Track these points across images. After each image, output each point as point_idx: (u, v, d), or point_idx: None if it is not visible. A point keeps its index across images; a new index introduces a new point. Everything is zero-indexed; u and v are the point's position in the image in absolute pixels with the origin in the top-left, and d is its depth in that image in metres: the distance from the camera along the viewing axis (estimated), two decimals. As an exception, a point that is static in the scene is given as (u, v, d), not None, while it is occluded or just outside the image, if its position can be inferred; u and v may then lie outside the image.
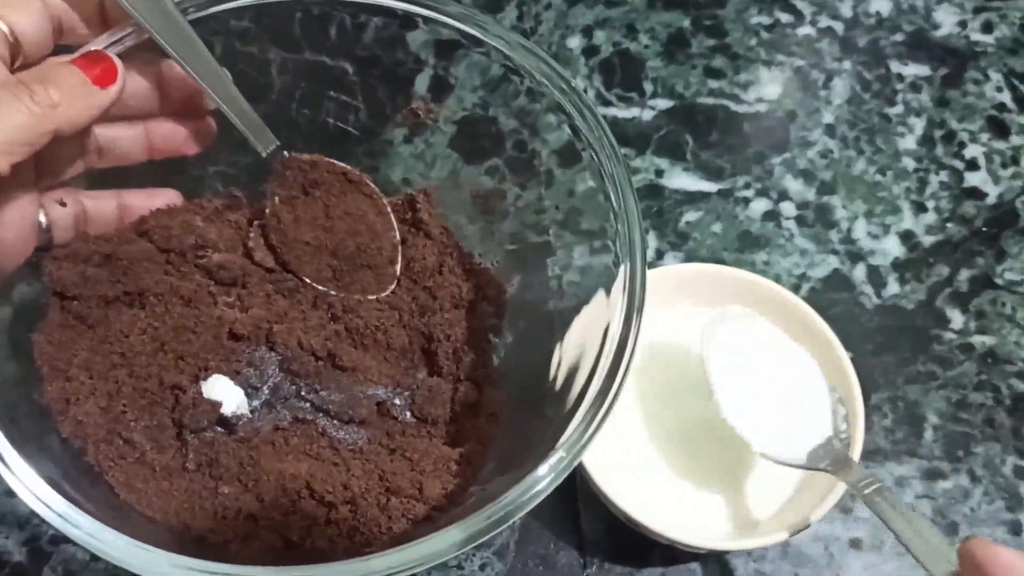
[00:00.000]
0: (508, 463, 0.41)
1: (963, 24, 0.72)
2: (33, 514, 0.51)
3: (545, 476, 0.35)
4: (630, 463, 0.52)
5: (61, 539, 0.51)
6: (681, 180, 0.65)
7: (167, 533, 0.38)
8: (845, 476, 0.46)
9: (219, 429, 0.43)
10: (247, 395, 0.44)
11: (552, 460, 0.36)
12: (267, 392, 0.44)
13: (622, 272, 0.41)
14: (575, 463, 0.36)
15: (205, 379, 0.43)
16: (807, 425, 0.49)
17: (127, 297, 0.42)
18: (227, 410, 0.43)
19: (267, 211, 0.46)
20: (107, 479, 0.39)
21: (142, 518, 0.38)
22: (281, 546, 0.38)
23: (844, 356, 0.52)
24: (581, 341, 0.44)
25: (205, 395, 0.42)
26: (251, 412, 0.44)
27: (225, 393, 0.43)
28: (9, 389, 0.39)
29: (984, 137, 0.68)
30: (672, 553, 0.52)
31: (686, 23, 0.71)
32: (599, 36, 0.70)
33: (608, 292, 0.42)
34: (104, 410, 0.40)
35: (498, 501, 0.35)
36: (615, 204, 0.42)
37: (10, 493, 0.52)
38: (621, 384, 0.38)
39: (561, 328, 0.47)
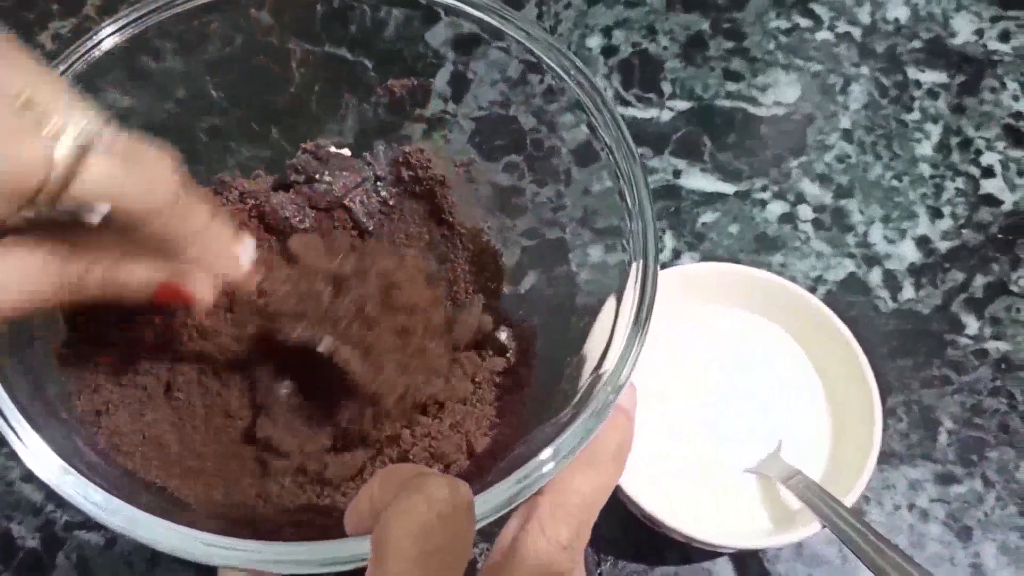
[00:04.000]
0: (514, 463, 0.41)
1: (980, 33, 0.73)
2: (49, 499, 0.52)
3: (548, 461, 0.35)
4: (647, 460, 0.52)
5: (75, 526, 0.51)
6: (698, 181, 0.65)
7: (202, 517, 0.38)
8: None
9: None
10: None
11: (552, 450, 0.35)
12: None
13: (634, 270, 0.41)
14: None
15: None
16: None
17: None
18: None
19: None
20: (144, 477, 0.39)
21: (172, 501, 0.38)
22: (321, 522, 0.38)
23: (863, 358, 0.52)
24: (592, 339, 0.44)
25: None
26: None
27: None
28: (27, 372, 0.39)
29: (1000, 145, 0.68)
30: (686, 552, 0.52)
31: (705, 25, 0.71)
32: (618, 36, 0.70)
33: (620, 291, 0.42)
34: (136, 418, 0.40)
35: (500, 485, 0.34)
36: (630, 203, 0.42)
37: (24, 479, 0.52)
38: (627, 379, 0.38)
39: (577, 328, 0.47)
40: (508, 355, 0.48)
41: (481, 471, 0.42)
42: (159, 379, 0.42)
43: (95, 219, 0.29)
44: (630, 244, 0.42)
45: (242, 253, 0.35)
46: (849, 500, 0.48)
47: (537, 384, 0.47)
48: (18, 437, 0.34)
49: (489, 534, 0.41)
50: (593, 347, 0.42)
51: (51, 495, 0.52)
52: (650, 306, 0.40)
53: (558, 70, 0.45)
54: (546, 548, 0.33)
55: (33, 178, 0.26)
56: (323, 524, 0.39)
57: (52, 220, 0.29)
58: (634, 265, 0.41)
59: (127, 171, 0.28)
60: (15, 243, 0.29)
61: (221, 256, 0.34)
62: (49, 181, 0.26)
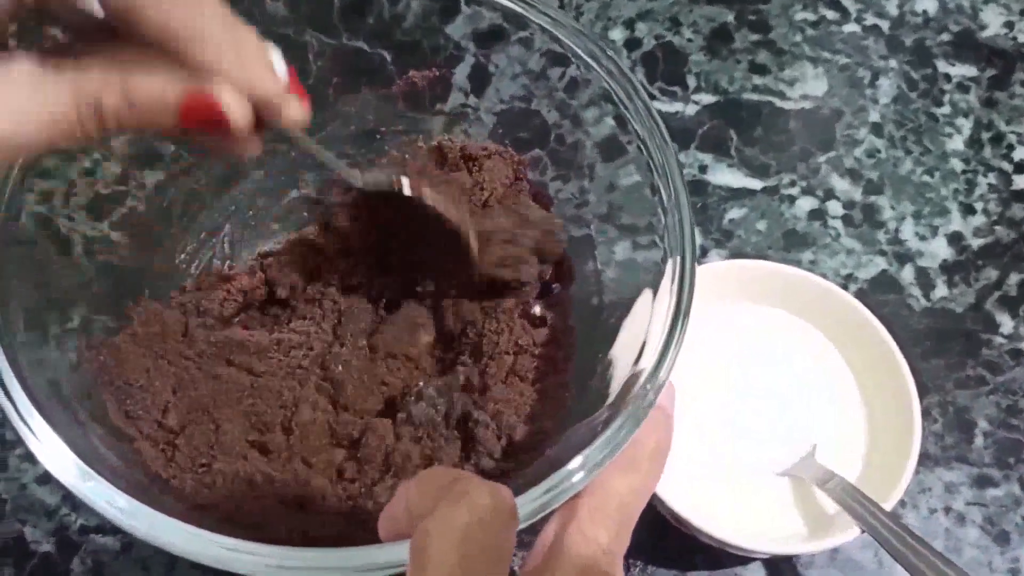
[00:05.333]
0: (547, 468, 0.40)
1: (1010, 25, 0.71)
2: (64, 501, 0.51)
3: (577, 471, 0.34)
4: (678, 462, 0.50)
5: (90, 529, 0.50)
6: (725, 176, 0.63)
7: (216, 519, 0.37)
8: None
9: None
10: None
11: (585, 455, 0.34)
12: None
13: (670, 267, 0.40)
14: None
15: None
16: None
17: None
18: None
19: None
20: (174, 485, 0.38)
21: (188, 506, 0.37)
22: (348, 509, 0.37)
23: (899, 356, 0.50)
24: (626, 338, 0.42)
25: None
26: None
27: None
28: (48, 373, 0.38)
29: (1033, 140, 0.66)
30: (717, 557, 0.51)
31: (730, 17, 0.69)
32: (641, 29, 0.69)
33: (655, 289, 0.41)
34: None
35: (530, 493, 0.33)
36: (664, 197, 0.41)
37: (39, 481, 0.51)
38: (666, 377, 0.36)
39: (606, 325, 0.45)
40: (547, 324, 0.47)
41: (517, 466, 0.41)
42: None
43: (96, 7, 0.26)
44: (665, 240, 0.40)
45: (275, 60, 0.29)
46: (888, 504, 0.46)
47: (571, 379, 0.45)
48: (35, 435, 0.33)
49: (520, 543, 0.39)
50: (626, 345, 0.41)
51: (66, 498, 0.51)
52: (688, 303, 0.38)
53: (586, 58, 0.43)
54: (586, 551, 0.32)
55: None
56: (354, 531, 0.38)
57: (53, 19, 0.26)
58: (670, 261, 0.40)
59: None
60: (20, 59, 0.26)
61: (249, 59, 0.28)
62: None
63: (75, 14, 0.27)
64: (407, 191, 0.42)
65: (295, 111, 0.30)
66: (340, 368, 0.44)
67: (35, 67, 0.26)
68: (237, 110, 0.28)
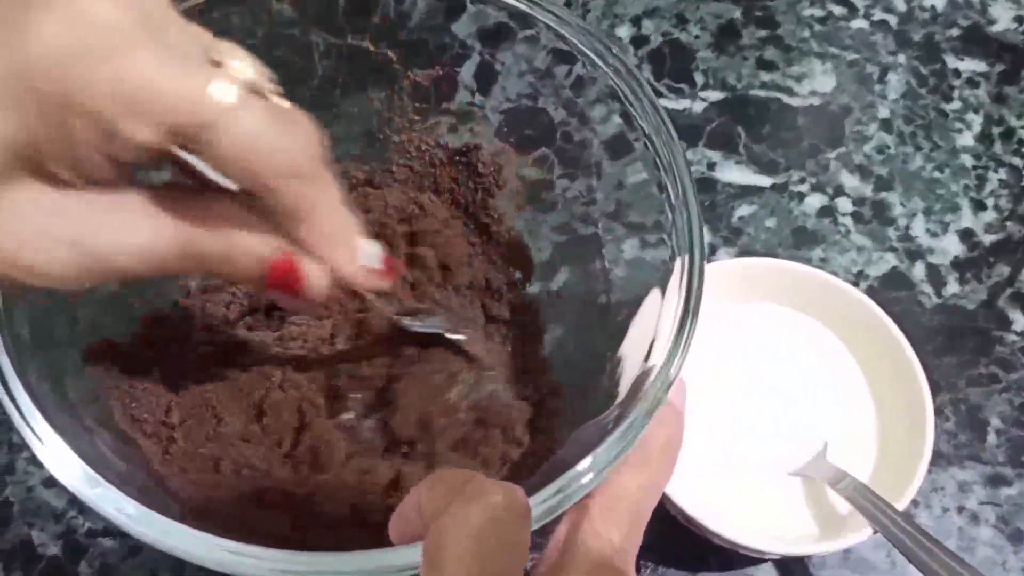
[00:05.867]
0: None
1: (1020, 20, 0.70)
2: (70, 505, 0.50)
3: (587, 472, 0.33)
4: (688, 461, 0.50)
5: (97, 532, 0.50)
6: (733, 174, 0.63)
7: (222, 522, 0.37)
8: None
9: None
10: None
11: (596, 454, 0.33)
12: None
13: (678, 266, 0.39)
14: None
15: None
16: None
17: None
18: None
19: None
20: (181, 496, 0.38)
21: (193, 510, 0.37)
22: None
23: (911, 354, 0.50)
24: (636, 336, 0.42)
25: None
26: None
27: None
28: (50, 375, 0.37)
29: (1044, 135, 0.66)
30: (728, 558, 0.51)
31: (737, 14, 0.69)
32: (648, 25, 0.68)
33: (664, 287, 0.41)
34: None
35: (539, 495, 0.33)
36: (672, 194, 0.41)
37: (45, 484, 0.51)
38: (677, 374, 0.36)
39: (614, 324, 0.45)
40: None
41: (521, 469, 0.41)
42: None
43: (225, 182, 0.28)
44: (673, 238, 0.40)
45: (365, 248, 0.32)
46: (901, 504, 0.46)
47: (575, 382, 0.45)
48: (40, 439, 0.32)
49: (533, 545, 0.39)
50: (635, 343, 0.41)
51: (73, 501, 0.51)
52: (698, 301, 0.38)
53: (592, 55, 0.43)
54: (599, 550, 0.32)
55: (196, 109, 0.25)
56: (363, 534, 0.37)
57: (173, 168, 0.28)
58: (679, 259, 0.39)
59: (277, 128, 0.27)
60: (138, 192, 0.28)
61: (342, 244, 0.31)
62: (208, 118, 0.25)
63: (188, 169, 0.29)
64: (450, 336, 0.44)
65: (374, 286, 0.33)
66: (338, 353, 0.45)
67: (148, 203, 0.27)
68: (317, 284, 0.31)
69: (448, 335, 0.44)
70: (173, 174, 0.30)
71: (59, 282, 0.27)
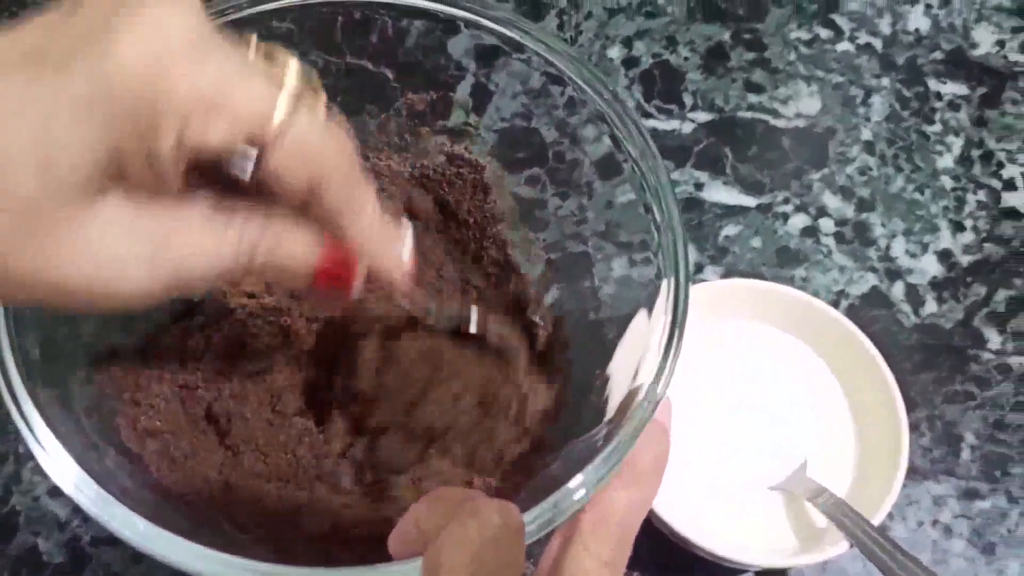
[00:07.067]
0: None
1: (1001, 44, 0.72)
2: (75, 513, 0.52)
3: (578, 489, 0.35)
4: (673, 477, 0.51)
5: (101, 541, 0.51)
6: (720, 194, 0.65)
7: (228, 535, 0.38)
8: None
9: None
10: None
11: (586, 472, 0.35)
12: None
13: (664, 286, 0.41)
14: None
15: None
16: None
17: None
18: None
19: None
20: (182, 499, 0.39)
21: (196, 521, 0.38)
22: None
23: (888, 373, 0.52)
24: (624, 354, 0.43)
25: None
26: None
27: None
28: (55, 389, 0.39)
29: (1022, 158, 0.67)
30: (711, 570, 0.52)
31: (726, 36, 0.71)
32: (639, 47, 0.70)
33: (651, 306, 0.42)
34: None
35: (531, 512, 0.34)
36: (657, 216, 0.42)
37: (50, 493, 0.52)
38: (663, 393, 0.38)
39: (604, 342, 0.47)
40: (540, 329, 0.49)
41: (514, 486, 0.42)
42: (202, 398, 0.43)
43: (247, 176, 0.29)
44: (658, 259, 0.41)
45: (403, 246, 0.34)
46: (877, 518, 0.48)
47: (567, 399, 0.47)
48: (44, 448, 0.34)
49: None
50: (623, 362, 0.42)
51: (77, 510, 0.52)
52: (683, 320, 0.39)
53: (579, 82, 0.44)
54: (590, 565, 0.33)
55: (260, 113, 0.26)
56: (364, 549, 0.39)
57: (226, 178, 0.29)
58: (665, 281, 0.41)
59: (332, 128, 0.28)
60: (198, 199, 0.29)
61: (390, 241, 0.33)
62: (269, 124, 0.27)
63: (223, 175, 0.29)
64: (474, 329, 0.44)
65: (403, 284, 0.34)
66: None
67: (209, 209, 0.29)
68: (362, 283, 0.32)
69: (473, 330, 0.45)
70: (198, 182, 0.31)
71: (127, 301, 0.28)
